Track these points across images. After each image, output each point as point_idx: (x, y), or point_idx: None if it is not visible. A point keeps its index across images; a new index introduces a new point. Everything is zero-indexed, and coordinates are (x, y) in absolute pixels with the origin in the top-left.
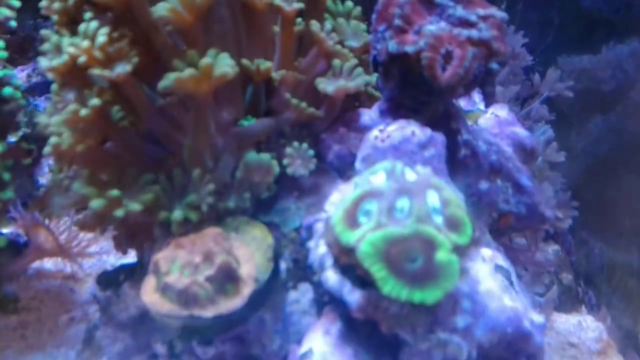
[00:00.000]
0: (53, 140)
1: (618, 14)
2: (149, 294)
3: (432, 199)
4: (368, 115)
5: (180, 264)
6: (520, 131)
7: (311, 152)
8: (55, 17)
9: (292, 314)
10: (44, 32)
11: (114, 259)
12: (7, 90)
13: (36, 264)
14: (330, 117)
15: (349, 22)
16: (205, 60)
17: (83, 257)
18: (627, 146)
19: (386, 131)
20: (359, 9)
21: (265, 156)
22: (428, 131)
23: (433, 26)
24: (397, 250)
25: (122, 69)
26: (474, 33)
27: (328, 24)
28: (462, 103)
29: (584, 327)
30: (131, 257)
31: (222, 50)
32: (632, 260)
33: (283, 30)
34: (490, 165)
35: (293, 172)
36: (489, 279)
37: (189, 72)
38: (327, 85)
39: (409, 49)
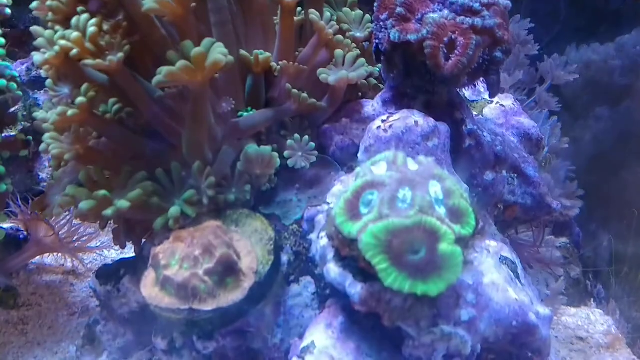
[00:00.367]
0: (47, 137)
1: (624, 5)
2: (149, 288)
3: (435, 189)
4: (371, 105)
5: (179, 257)
6: (526, 121)
7: (312, 144)
8: (50, 16)
9: (293, 307)
10: (34, 28)
11: (115, 254)
12: (2, 82)
13: (36, 259)
14: (332, 107)
15: (353, 10)
16: (197, 50)
17: (83, 252)
18: (635, 137)
19: (389, 121)
20: None
21: (266, 148)
22: (432, 121)
23: (436, 14)
24: (400, 242)
25: (114, 57)
26: (477, 21)
27: (328, 13)
28: (467, 93)
29: (592, 320)
30: (132, 251)
31: (221, 41)
32: None
33: (283, 21)
34: (496, 156)
35: (294, 164)
36: (494, 271)
37: (180, 64)
38: (329, 76)
39: (412, 37)
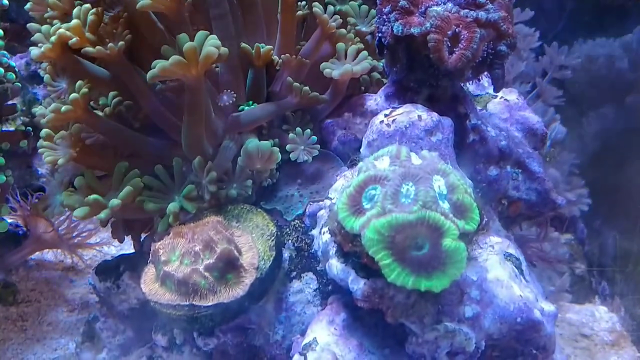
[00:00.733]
0: (42, 142)
1: (629, 0)
2: (149, 284)
3: (439, 184)
4: (373, 99)
5: (180, 252)
6: (531, 116)
7: (314, 137)
8: (48, 12)
9: (295, 303)
10: (31, 25)
11: (114, 250)
12: None
13: (36, 255)
14: (335, 101)
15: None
16: (190, 45)
17: (83, 248)
18: None
19: (392, 115)
20: None
21: (266, 143)
22: (435, 115)
23: (440, 7)
24: (403, 237)
25: (115, 45)
26: (481, 14)
27: (332, 7)
28: (471, 87)
29: (597, 317)
30: (131, 246)
31: (220, 34)
32: None
33: (283, 14)
34: (500, 151)
35: (296, 157)
36: (498, 267)
37: (173, 59)
38: (332, 70)
39: (415, 30)
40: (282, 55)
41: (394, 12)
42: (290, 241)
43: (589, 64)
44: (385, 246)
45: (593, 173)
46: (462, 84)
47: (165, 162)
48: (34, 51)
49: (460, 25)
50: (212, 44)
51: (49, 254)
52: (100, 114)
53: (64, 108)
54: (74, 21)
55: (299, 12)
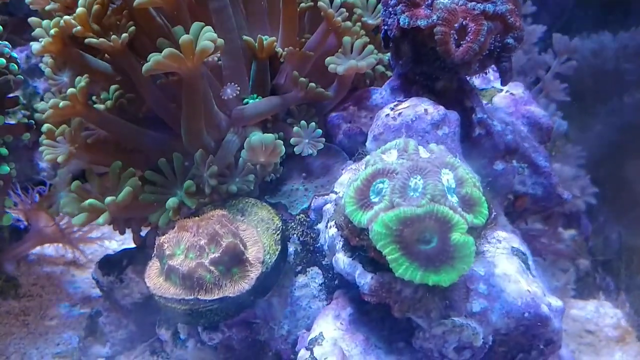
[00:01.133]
0: (42, 139)
1: None
2: (153, 278)
3: (447, 177)
4: (379, 93)
5: (185, 246)
6: (537, 110)
7: (319, 131)
8: (50, 5)
9: (300, 298)
10: (32, 19)
11: (116, 245)
12: (1, 61)
13: (37, 250)
14: (340, 96)
15: None
16: (185, 37)
17: (84, 242)
18: None
19: (398, 109)
20: None
21: (270, 136)
22: (441, 109)
23: None
24: (411, 231)
25: (119, 38)
26: (489, 7)
27: (338, 0)
28: (477, 81)
29: (601, 313)
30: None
31: (220, 27)
32: None
33: (285, 6)
34: (506, 145)
35: (300, 151)
36: (506, 262)
37: (166, 52)
38: (337, 66)
39: (422, 23)
40: (287, 48)
41: (400, 4)
42: (295, 235)
43: (593, 58)
44: (393, 240)
45: (597, 168)
46: (468, 78)
47: (168, 155)
48: (35, 45)
49: (468, 18)
50: (207, 37)
51: (49, 249)
52: (102, 107)
53: (62, 103)
54: (79, 9)
55: (302, 4)
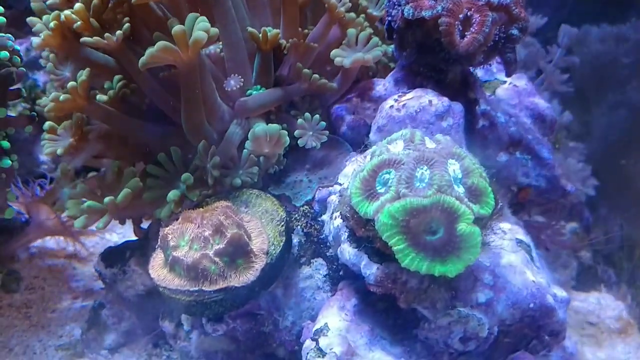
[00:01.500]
0: (44, 135)
1: None
2: (157, 269)
3: (454, 167)
4: (382, 84)
5: (189, 237)
6: (540, 102)
7: (323, 123)
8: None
9: (305, 289)
10: (30, 19)
11: (117, 237)
12: (4, 54)
13: (38, 243)
14: (344, 88)
15: None
16: (178, 28)
17: (85, 235)
18: None
19: (402, 100)
20: None
21: (274, 126)
22: (446, 100)
23: None
24: (418, 222)
25: (114, 36)
26: None
27: None
28: (480, 73)
29: (603, 305)
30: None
31: (221, 19)
32: None
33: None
34: (510, 137)
35: (304, 143)
36: (511, 253)
37: (159, 45)
38: (343, 59)
39: (426, 14)
40: (290, 40)
41: None
42: (299, 227)
43: (597, 49)
44: (399, 231)
45: (600, 160)
46: (471, 69)
47: (170, 147)
48: (35, 40)
49: (472, 9)
50: (200, 27)
51: (50, 241)
52: (105, 97)
53: (62, 97)
54: (77, 5)
55: None
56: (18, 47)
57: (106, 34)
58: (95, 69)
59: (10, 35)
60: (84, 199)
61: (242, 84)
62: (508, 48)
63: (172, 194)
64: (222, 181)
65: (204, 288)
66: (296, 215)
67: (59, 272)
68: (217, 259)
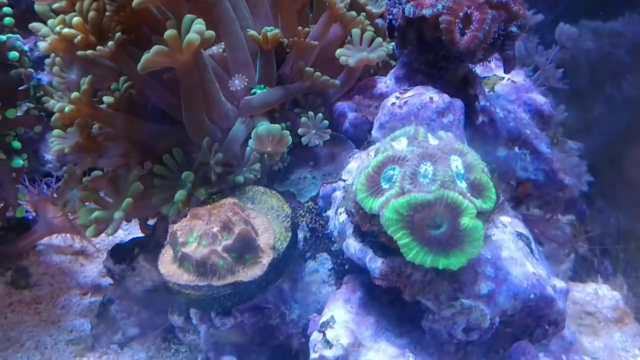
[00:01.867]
0: (54, 132)
1: None
2: (167, 265)
3: (456, 163)
4: (384, 82)
5: (198, 234)
6: (538, 97)
7: (326, 122)
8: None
9: (310, 283)
10: (33, 25)
11: (122, 234)
12: (13, 54)
13: (45, 240)
14: (347, 86)
15: None
16: (169, 32)
17: None
18: None
19: (404, 97)
20: None
21: (276, 126)
22: (446, 97)
23: None
24: (422, 216)
25: (106, 47)
26: None
27: None
28: (479, 69)
29: (600, 296)
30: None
31: (221, 20)
32: None
33: None
34: (509, 132)
35: (308, 141)
36: (512, 246)
37: (154, 49)
38: (348, 57)
39: (427, 12)
40: (291, 39)
41: None
42: (304, 222)
43: (591, 45)
44: (403, 225)
45: (595, 153)
46: (471, 66)
47: (176, 147)
48: (42, 44)
49: (472, 7)
50: (194, 29)
51: (57, 239)
52: (111, 99)
53: (67, 108)
54: (75, 19)
55: None
56: (26, 48)
57: (98, 47)
58: (101, 71)
59: (18, 36)
60: (94, 207)
61: (246, 83)
62: (507, 45)
63: (179, 194)
64: (225, 178)
65: (212, 283)
66: (301, 211)
67: (66, 269)
68: (225, 255)
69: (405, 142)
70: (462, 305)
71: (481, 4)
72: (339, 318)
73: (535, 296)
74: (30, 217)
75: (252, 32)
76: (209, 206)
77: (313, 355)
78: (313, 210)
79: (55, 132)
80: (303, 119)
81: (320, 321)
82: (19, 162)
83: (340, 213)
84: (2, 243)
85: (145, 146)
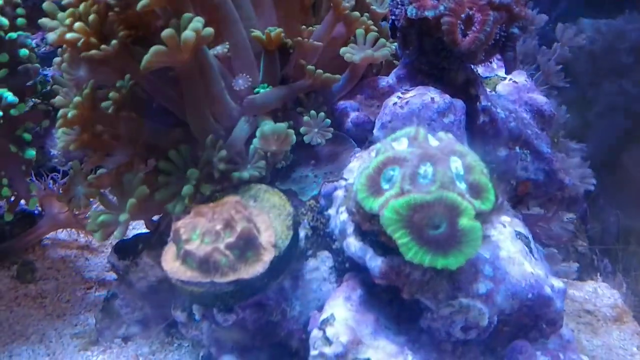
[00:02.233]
0: (60, 131)
1: None
2: (170, 262)
3: (456, 164)
4: (386, 81)
5: (201, 231)
6: (539, 97)
7: (328, 121)
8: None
9: (311, 281)
10: (42, 21)
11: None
12: (24, 52)
13: (50, 234)
14: (350, 85)
15: None
16: (167, 32)
17: None
18: None
19: (405, 97)
20: None
21: (281, 125)
22: (447, 97)
23: None
24: (421, 217)
25: (110, 47)
26: None
27: None
28: (480, 69)
29: (599, 294)
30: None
31: (226, 19)
32: None
33: None
34: (509, 132)
35: (310, 140)
36: (510, 245)
37: (153, 50)
38: (353, 55)
39: (429, 13)
40: (295, 39)
41: None
42: (306, 220)
43: (592, 44)
44: (403, 225)
45: (595, 152)
46: (473, 66)
47: (182, 145)
48: (51, 36)
49: (474, 8)
50: (191, 27)
51: (62, 233)
52: (117, 95)
53: (70, 114)
54: (77, 24)
55: None
56: (33, 44)
57: (102, 46)
58: (108, 68)
59: (29, 34)
60: (101, 211)
61: (250, 83)
62: (508, 46)
63: (186, 189)
64: (229, 175)
65: (215, 280)
66: (303, 210)
67: (71, 263)
68: (227, 252)
69: (406, 142)
70: (461, 304)
71: (483, 5)
72: (339, 316)
73: (533, 295)
74: (36, 212)
75: (255, 32)
76: (212, 204)
77: (313, 353)
78: (315, 208)
79: (61, 130)
80: (305, 117)
81: (321, 318)
82: (31, 153)
83: (342, 212)
84: (8, 237)
85: (149, 145)
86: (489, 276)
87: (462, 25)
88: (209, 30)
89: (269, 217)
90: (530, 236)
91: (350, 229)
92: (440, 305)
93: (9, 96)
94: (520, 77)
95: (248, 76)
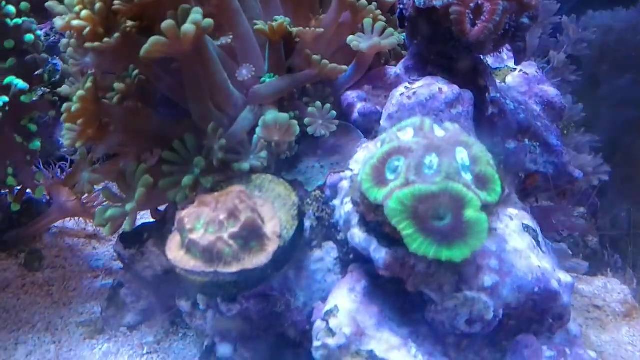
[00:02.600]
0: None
1: None
2: (174, 251)
3: (462, 155)
4: (394, 72)
5: (205, 221)
6: (549, 89)
7: (333, 113)
8: None
9: (316, 272)
10: (49, 4)
11: None
12: (29, 37)
13: (58, 223)
14: (358, 75)
15: None
16: (167, 22)
17: None
18: None
19: (413, 88)
20: None
21: (284, 115)
22: (456, 88)
23: None
24: (426, 208)
25: (112, 40)
26: None
27: None
28: (490, 60)
29: (609, 289)
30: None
31: (229, 10)
32: None
33: None
34: (518, 124)
35: (314, 131)
36: (517, 238)
37: (152, 40)
38: (360, 43)
39: (437, 3)
40: (298, 29)
41: None
42: (311, 211)
43: (603, 35)
44: (407, 216)
45: (606, 146)
46: (482, 57)
47: (185, 135)
48: (58, 21)
49: None
50: (191, 20)
51: (70, 222)
52: (122, 85)
53: (74, 108)
54: (84, 12)
55: None
56: (40, 33)
57: (105, 39)
58: (113, 57)
59: (33, 20)
60: (108, 206)
61: (254, 72)
62: (518, 36)
63: (187, 179)
64: (232, 166)
65: (218, 270)
66: (308, 200)
67: (79, 252)
68: (231, 242)
69: (411, 133)
70: (466, 297)
71: None
72: (343, 307)
73: (540, 289)
74: (44, 201)
75: (259, 25)
76: (216, 194)
77: (316, 344)
78: (320, 199)
79: (67, 126)
80: (310, 108)
81: (324, 310)
82: (37, 144)
83: (346, 203)
84: (16, 226)
85: (154, 136)
86: (495, 269)
87: (471, 15)
88: (209, 21)
89: (273, 207)
90: (538, 229)
91: (354, 219)
92: (445, 298)
93: (19, 82)
94: (530, 68)
95: (252, 66)
